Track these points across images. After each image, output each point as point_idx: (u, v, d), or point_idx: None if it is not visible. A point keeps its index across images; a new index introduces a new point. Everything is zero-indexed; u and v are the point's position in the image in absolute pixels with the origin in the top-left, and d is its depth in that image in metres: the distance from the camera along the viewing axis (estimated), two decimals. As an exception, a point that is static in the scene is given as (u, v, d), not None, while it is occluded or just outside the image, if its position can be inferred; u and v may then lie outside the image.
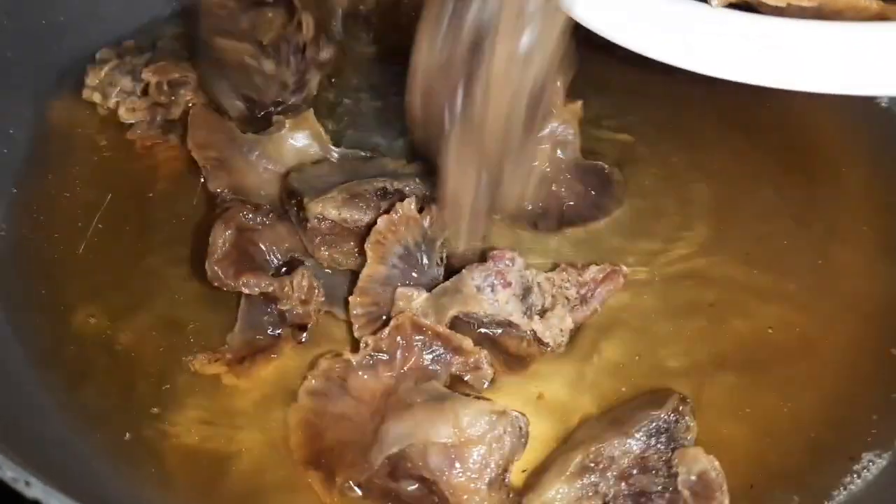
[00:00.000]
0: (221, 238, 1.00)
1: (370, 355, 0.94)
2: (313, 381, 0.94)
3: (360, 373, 0.94)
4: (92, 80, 1.24)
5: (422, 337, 0.95)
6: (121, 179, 1.18)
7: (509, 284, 0.97)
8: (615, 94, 1.29)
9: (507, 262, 0.97)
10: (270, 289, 0.98)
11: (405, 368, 0.94)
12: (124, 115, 1.22)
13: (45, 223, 1.13)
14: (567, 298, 0.99)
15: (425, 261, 1.01)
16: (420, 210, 1.00)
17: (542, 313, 0.98)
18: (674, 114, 1.28)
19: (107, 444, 0.93)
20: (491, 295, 0.96)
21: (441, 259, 1.03)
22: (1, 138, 1.18)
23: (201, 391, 0.97)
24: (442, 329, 0.95)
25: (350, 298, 0.98)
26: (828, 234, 1.15)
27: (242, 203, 1.04)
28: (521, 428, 0.90)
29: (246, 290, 0.98)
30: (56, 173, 1.18)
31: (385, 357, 0.94)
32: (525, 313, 0.97)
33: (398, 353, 0.94)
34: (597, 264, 1.02)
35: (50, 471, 0.75)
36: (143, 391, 0.97)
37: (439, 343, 0.95)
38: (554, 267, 1.04)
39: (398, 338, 0.94)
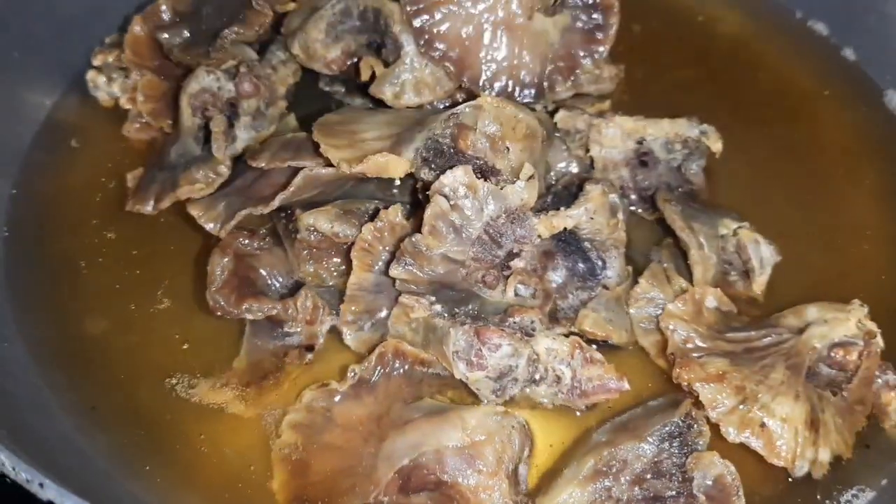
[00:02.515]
0: (219, 266, 0.99)
1: (354, 385, 0.93)
2: (296, 414, 0.93)
3: (345, 401, 0.93)
4: (99, 61, 1.22)
5: (404, 362, 0.95)
6: (123, 178, 1.15)
7: (484, 368, 0.92)
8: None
9: (491, 346, 0.92)
10: (274, 312, 0.97)
11: (389, 393, 0.93)
12: (124, 102, 1.20)
13: (48, 223, 1.12)
14: (558, 378, 0.94)
15: None
16: (407, 217, 0.99)
17: (526, 384, 0.95)
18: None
19: (113, 445, 0.92)
20: (463, 368, 0.92)
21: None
22: (5, 135, 1.17)
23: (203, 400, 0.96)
24: (425, 356, 0.95)
25: (341, 307, 0.98)
26: (833, 240, 1.16)
27: (238, 230, 1.02)
28: (524, 426, 0.91)
29: (250, 316, 0.97)
30: (59, 172, 1.17)
31: (368, 385, 0.94)
32: (496, 391, 0.94)
33: (381, 379, 0.94)
34: (606, 364, 0.94)
35: (57, 471, 0.75)
36: (148, 394, 0.96)
37: (422, 367, 0.95)
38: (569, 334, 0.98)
39: (382, 365, 0.94)
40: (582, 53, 1.14)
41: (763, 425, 0.91)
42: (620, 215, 1.02)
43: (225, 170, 1.05)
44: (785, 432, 0.91)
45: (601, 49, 1.14)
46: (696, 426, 0.91)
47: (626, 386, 0.93)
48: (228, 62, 1.12)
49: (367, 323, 0.99)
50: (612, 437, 0.92)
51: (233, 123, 1.11)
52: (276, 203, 0.98)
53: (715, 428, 0.91)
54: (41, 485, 0.71)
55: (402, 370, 0.94)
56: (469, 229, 0.94)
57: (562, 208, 0.99)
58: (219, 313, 0.97)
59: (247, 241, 1.02)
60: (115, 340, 1.01)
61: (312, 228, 0.99)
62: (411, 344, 0.96)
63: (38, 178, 1.16)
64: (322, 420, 0.92)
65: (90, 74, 1.22)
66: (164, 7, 1.20)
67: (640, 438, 0.90)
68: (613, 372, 0.93)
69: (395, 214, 0.97)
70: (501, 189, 0.94)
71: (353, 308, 0.98)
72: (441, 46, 1.07)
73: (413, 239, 0.92)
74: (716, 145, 1.12)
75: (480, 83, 1.10)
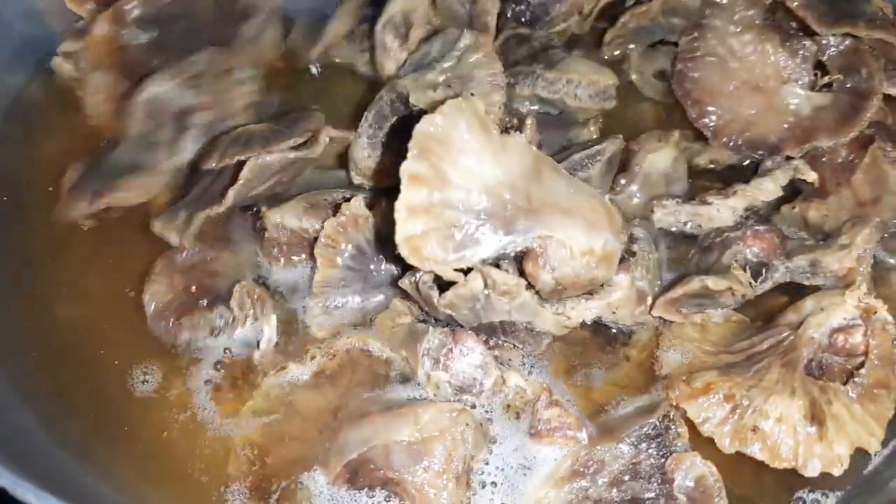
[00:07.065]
0: (147, 296, 0.98)
1: (316, 374, 0.92)
2: (257, 401, 0.92)
3: (306, 391, 0.92)
4: (68, 48, 1.21)
5: (370, 360, 0.93)
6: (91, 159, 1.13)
7: (448, 371, 0.89)
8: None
9: (464, 348, 0.89)
10: (200, 323, 0.96)
11: (350, 387, 0.91)
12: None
13: (15, 206, 1.11)
14: (518, 416, 0.89)
15: (381, 257, 0.98)
16: (370, 207, 0.96)
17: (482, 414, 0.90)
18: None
19: (75, 435, 0.92)
20: (428, 366, 0.89)
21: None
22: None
23: (170, 394, 0.95)
24: (390, 355, 0.93)
25: (307, 301, 0.97)
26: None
27: (168, 253, 1.01)
28: (482, 424, 0.87)
29: (186, 336, 0.96)
30: (25, 154, 1.16)
31: (330, 378, 0.92)
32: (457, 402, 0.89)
33: (345, 373, 0.92)
34: (569, 412, 0.89)
35: (17, 460, 0.75)
36: (115, 385, 0.95)
37: (386, 366, 0.93)
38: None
39: (346, 361, 0.93)
40: (825, 134, 1.09)
41: (755, 429, 0.85)
42: (650, 300, 0.96)
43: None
44: (782, 432, 0.85)
45: (847, 134, 1.09)
46: (673, 428, 0.87)
47: (584, 438, 0.88)
48: (192, 72, 1.12)
49: (333, 308, 0.98)
50: (590, 437, 0.88)
51: (180, 133, 1.09)
52: (229, 199, 0.97)
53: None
54: (-7, 473, 0.71)
55: (366, 367, 0.93)
56: (486, 316, 0.90)
57: (583, 299, 0.92)
58: (164, 340, 0.97)
59: (182, 256, 1.00)
60: (85, 327, 0.99)
61: (281, 225, 0.98)
62: (389, 340, 0.94)
63: (3, 161, 1.15)
64: (282, 409, 0.91)
65: (56, 61, 1.21)
66: (128, 7, 1.20)
67: (617, 439, 0.86)
68: (574, 420, 0.88)
69: (358, 206, 0.95)
70: (540, 306, 0.90)
71: (319, 304, 0.97)
72: (689, 86, 1.16)
73: (432, 292, 0.88)
74: (811, 175, 1.05)
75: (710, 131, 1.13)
